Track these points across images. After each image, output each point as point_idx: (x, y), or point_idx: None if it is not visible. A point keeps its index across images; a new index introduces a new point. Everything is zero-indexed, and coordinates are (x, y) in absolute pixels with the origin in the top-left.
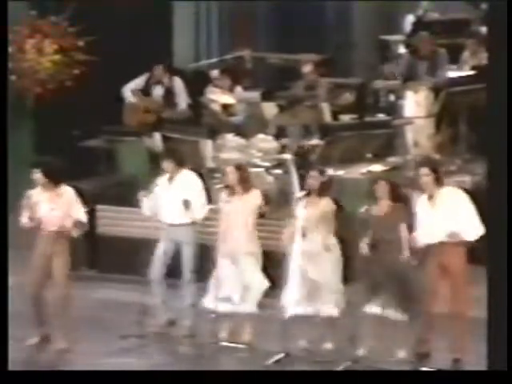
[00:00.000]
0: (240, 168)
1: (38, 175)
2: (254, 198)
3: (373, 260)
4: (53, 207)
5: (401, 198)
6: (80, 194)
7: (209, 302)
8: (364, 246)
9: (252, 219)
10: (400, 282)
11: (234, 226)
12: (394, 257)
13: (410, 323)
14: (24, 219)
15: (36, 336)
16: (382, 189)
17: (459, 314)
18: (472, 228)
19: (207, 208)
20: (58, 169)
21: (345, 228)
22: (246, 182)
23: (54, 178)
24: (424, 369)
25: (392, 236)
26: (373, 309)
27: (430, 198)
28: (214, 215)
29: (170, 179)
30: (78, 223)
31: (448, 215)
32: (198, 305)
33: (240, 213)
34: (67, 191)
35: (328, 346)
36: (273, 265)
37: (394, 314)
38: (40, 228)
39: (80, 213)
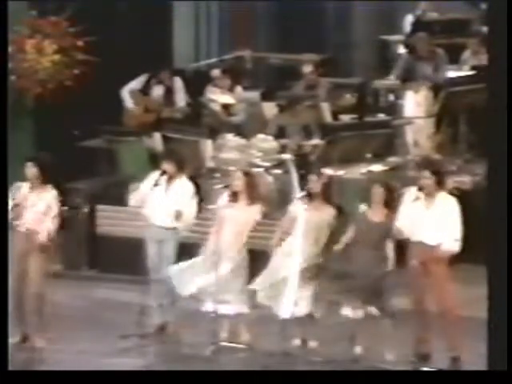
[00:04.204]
0: (248, 174)
1: (31, 169)
2: (255, 213)
3: (353, 262)
4: (34, 204)
5: (395, 202)
6: (80, 194)
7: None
8: (339, 246)
9: (246, 231)
10: (376, 285)
11: (226, 231)
12: (375, 262)
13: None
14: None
15: (16, 335)
16: (377, 193)
17: (447, 312)
18: (451, 242)
19: (193, 220)
20: (50, 166)
21: (345, 229)
22: (251, 191)
23: (45, 175)
24: (424, 369)
25: (378, 245)
26: (348, 311)
27: (427, 196)
28: (210, 215)
29: (169, 182)
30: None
31: (437, 221)
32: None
33: (237, 221)
34: (50, 193)
35: (316, 344)
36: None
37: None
38: (17, 224)
39: (50, 219)
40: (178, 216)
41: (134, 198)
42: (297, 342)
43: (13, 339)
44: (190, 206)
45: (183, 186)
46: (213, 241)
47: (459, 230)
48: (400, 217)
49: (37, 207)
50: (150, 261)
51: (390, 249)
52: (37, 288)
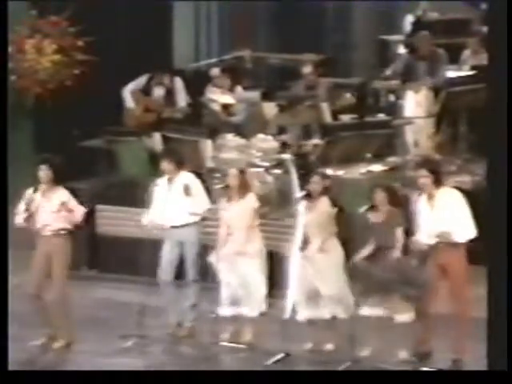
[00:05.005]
0: (243, 172)
1: (44, 172)
2: (250, 202)
3: (371, 263)
4: (48, 207)
5: (399, 203)
6: (79, 194)
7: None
8: (359, 257)
9: (251, 222)
10: (398, 284)
11: (232, 231)
12: (394, 260)
13: (409, 324)
14: (19, 218)
15: (41, 336)
16: (380, 197)
17: (459, 314)
18: (464, 230)
19: (208, 204)
20: (62, 167)
21: (345, 229)
22: (244, 187)
23: (58, 177)
24: (424, 369)
25: (391, 242)
26: (368, 310)
27: (429, 198)
28: (213, 215)
29: (170, 180)
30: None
31: (444, 216)
32: (200, 305)
33: (238, 217)
34: (62, 192)
35: (329, 346)
36: (273, 265)
37: (390, 314)
38: (37, 228)
39: (76, 212)
40: (187, 190)
41: (147, 219)
42: (299, 343)
43: (37, 341)
44: (198, 194)
45: (186, 179)
46: (222, 245)
47: (469, 217)
48: (417, 230)
49: (51, 208)
50: (165, 262)
51: (399, 235)
52: (61, 289)
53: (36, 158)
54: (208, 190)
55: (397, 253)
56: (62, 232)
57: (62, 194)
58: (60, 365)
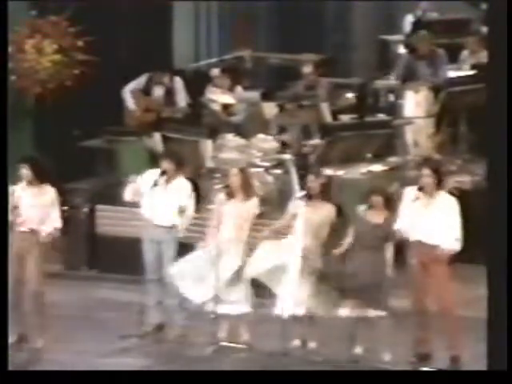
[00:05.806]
0: (243, 171)
1: (24, 170)
2: (253, 206)
3: (352, 263)
4: (33, 204)
5: (394, 208)
6: (79, 194)
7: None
8: (339, 250)
9: (246, 225)
10: (377, 286)
11: (226, 228)
12: (375, 263)
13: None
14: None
15: (13, 335)
16: (377, 201)
17: (446, 311)
18: (451, 241)
19: (190, 220)
20: (45, 166)
21: (342, 234)
22: (247, 187)
23: (41, 175)
24: (424, 369)
25: (377, 245)
26: (346, 311)
27: (427, 197)
28: (210, 215)
29: (168, 181)
30: (51, 227)
31: (436, 220)
32: (185, 304)
33: (236, 216)
34: (50, 191)
35: (328, 346)
36: None
37: (372, 312)
38: (16, 224)
39: (56, 217)
40: (182, 211)
41: (129, 192)
42: (297, 342)
43: (10, 339)
44: (188, 205)
45: (182, 184)
46: (213, 239)
47: (459, 229)
48: (400, 217)
49: (36, 207)
50: (147, 261)
51: (389, 252)
52: (35, 287)
53: (23, 155)
54: (198, 196)
55: (390, 271)
56: (39, 231)
57: (49, 197)
58: (59, 365)
